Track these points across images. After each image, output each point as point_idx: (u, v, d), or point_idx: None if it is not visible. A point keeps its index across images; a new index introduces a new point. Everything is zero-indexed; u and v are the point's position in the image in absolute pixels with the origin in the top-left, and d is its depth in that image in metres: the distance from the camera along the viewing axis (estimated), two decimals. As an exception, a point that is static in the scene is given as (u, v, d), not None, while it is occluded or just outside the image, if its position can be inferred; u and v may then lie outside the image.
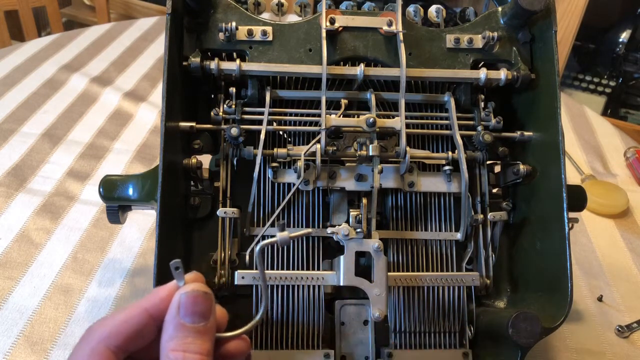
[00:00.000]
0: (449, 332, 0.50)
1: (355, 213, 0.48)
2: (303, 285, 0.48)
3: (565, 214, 0.46)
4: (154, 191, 0.50)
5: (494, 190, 0.54)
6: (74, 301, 0.60)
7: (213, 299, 0.35)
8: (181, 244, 0.49)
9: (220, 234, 0.49)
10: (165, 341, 0.33)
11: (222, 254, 0.49)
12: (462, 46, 0.51)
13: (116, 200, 0.52)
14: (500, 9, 0.52)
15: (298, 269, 0.48)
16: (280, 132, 0.51)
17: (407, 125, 0.49)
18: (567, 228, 0.46)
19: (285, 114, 0.50)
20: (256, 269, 0.48)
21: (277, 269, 0.48)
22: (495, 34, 0.51)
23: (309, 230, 0.37)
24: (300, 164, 0.48)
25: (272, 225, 0.49)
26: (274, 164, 0.49)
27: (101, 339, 0.32)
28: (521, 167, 0.51)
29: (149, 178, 0.51)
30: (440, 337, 0.50)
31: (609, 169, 0.91)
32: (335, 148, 0.49)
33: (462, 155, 0.50)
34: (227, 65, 0.49)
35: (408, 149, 0.48)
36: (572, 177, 0.87)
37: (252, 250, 0.48)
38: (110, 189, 0.52)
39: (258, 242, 0.49)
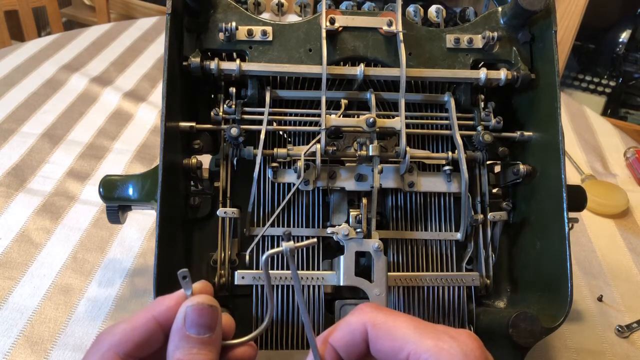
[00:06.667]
0: (449, 332, 0.50)
1: (355, 213, 0.48)
2: (303, 285, 0.48)
3: (565, 214, 0.46)
4: (154, 191, 0.50)
5: (494, 190, 0.54)
6: (74, 301, 0.60)
7: (219, 310, 0.35)
8: (181, 244, 0.49)
9: (220, 234, 0.49)
10: (171, 351, 0.34)
11: (222, 254, 0.49)
12: (462, 46, 0.51)
13: (116, 200, 0.52)
14: (500, 9, 0.52)
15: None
16: (280, 132, 0.51)
17: (407, 125, 0.49)
18: (567, 228, 0.46)
19: (285, 114, 0.50)
20: (256, 269, 0.48)
21: (277, 269, 0.48)
22: (495, 34, 0.51)
23: (314, 240, 0.37)
24: (300, 164, 0.48)
25: (272, 225, 0.49)
26: (274, 164, 0.49)
27: (110, 346, 0.33)
28: (521, 167, 0.51)
29: (149, 178, 0.51)
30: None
31: (609, 169, 0.91)
32: (335, 148, 0.49)
33: (462, 155, 0.50)
34: (227, 65, 0.49)
35: (408, 149, 0.48)
36: (572, 177, 0.87)
37: (252, 251, 0.48)
38: (110, 189, 0.52)
39: (258, 242, 0.49)
